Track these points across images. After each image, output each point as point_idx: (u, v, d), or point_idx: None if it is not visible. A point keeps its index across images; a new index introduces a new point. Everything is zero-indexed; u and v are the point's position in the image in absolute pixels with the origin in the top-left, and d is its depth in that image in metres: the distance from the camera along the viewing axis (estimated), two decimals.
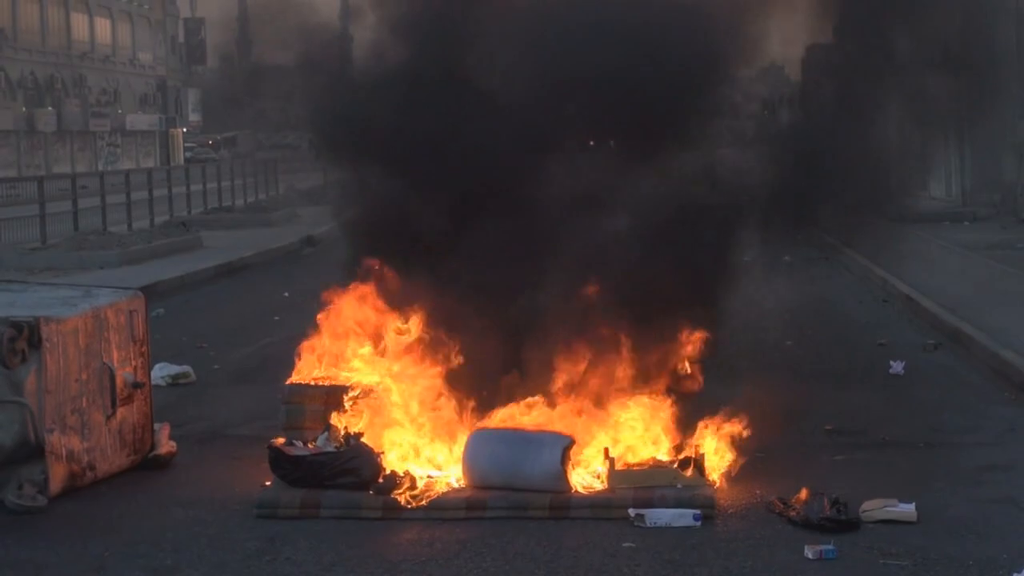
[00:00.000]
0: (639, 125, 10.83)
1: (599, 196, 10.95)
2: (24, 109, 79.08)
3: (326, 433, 9.73)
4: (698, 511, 8.80)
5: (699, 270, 10.68)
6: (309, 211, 38.69)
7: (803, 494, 8.91)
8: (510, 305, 10.25)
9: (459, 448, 9.57)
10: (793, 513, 8.77)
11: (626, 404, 9.84)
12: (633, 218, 11.05)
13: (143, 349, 10.63)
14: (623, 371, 10.07)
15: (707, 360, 11.25)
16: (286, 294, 21.52)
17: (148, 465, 10.53)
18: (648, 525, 8.70)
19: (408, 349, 10.24)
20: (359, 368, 10.33)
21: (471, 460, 9.37)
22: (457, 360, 10.09)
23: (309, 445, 9.65)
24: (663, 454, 9.55)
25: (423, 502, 9.08)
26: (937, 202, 35.08)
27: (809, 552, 8.14)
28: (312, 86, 12.24)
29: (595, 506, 9.02)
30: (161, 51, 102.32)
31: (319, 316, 10.56)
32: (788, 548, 8.30)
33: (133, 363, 10.49)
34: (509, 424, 9.69)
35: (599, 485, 9.30)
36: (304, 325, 10.94)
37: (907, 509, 8.81)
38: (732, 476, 9.49)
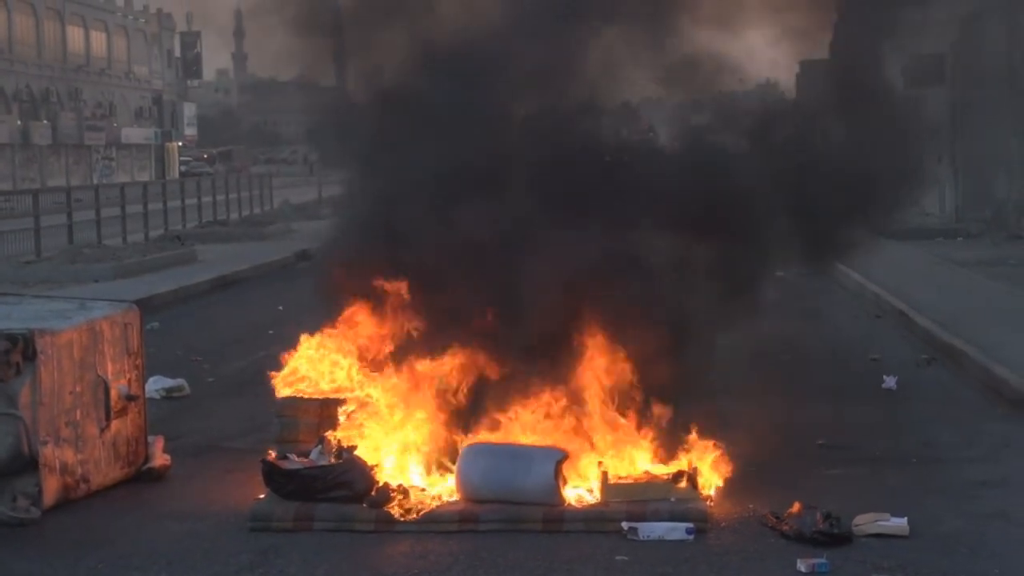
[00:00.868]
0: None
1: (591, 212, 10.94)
2: (19, 122, 79.15)
3: (320, 447, 9.73)
4: (691, 524, 8.80)
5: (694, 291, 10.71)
6: (303, 225, 38.71)
7: (796, 508, 8.91)
8: (506, 321, 10.23)
9: (453, 461, 9.57)
10: (786, 527, 8.78)
11: (618, 418, 9.83)
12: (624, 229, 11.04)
13: (138, 362, 10.64)
14: (615, 385, 10.05)
15: (703, 375, 11.26)
16: (280, 308, 21.51)
17: (142, 478, 10.53)
18: (641, 538, 8.70)
19: (401, 362, 10.24)
20: (352, 381, 10.33)
21: (464, 473, 9.37)
22: (451, 373, 10.08)
23: (302, 460, 9.63)
24: (656, 468, 9.54)
25: (416, 515, 9.08)
26: (930, 218, 35.14)
27: (802, 566, 8.14)
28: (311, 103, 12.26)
29: (588, 519, 9.02)
30: (157, 65, 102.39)
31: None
32: (781, 562, 8.30)
33: (128, 376, 10.49)
34: (502, 438, 9.70)
35: (592, 498, 9.30)
36: (298, 338, 10.93)
37: (899, 523, 8.81)
38: (725, 490, 9.50)
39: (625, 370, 9.93)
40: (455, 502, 9.32)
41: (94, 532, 9.22)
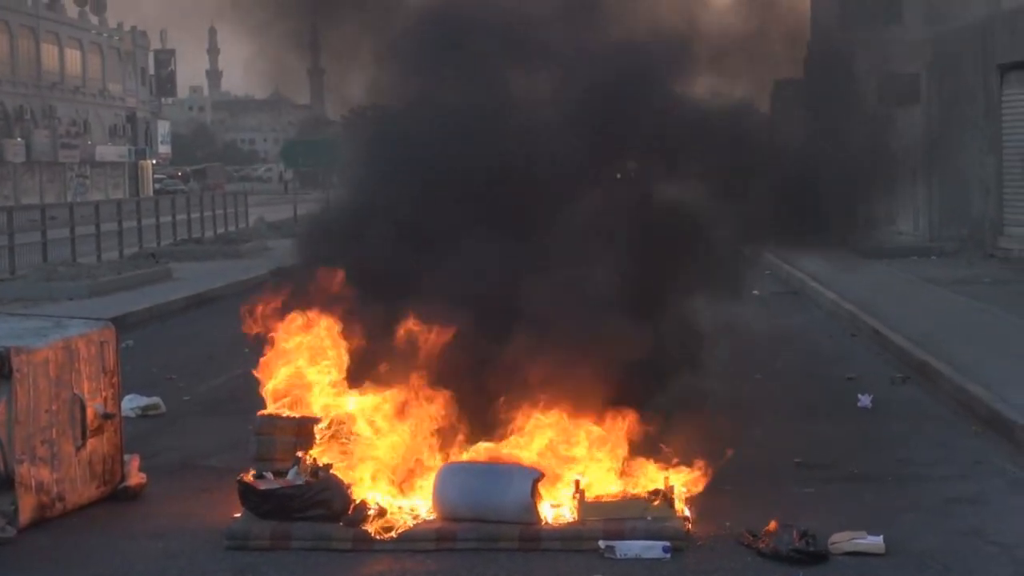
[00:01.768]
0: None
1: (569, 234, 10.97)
2: None
3: (296, 467, 9.73)
4: (668, 543, 8.83)
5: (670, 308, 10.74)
6: (279, 243, 38.65)
7: (772, 526, 8.95)
8: (482, 339, 10.26)
9: (430, 480, 9.58)
10: (762, 545, 8.81)
11: (594, 437, 9.86)
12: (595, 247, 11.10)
13: (113, 380, 10.63)
14: (592, 403, 10.08)
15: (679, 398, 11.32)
16: None
17: (118, 496, 10.51)
18: (618, 557, 8.73)
19: (378, 380, 10.25)
20: (330, 399, 10.33)
21: (441, 492, 9.38)
22: (428, 392, 10.09)
23: (279, 480, 9.62)
24: (633, 486, 9.57)
25: (393, 534, 9.09)
26: (905, 236, 35.26)
27: None
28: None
29: (565, 538, 9.04)
30: (131, 82, 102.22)
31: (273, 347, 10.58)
32: None
33: (103, 394, 10.48)
34: (479, 456, 9.72)
35: (569, 517, 9.32)
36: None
37: (875, 541, 8.85)
38: (702, 508, 9.52)
39: (601, 389, 9.96)
40: (432, 520, 9.33)
41: (70, 551, 9.21)
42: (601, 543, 8.85)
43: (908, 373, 15.95)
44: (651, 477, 9.61)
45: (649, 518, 9.12)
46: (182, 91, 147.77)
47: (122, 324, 17.02)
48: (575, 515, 9.28)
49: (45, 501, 9.81)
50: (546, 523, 9.21)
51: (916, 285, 25.00)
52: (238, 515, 9.49)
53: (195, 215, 43.87)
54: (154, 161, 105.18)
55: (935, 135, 32.32)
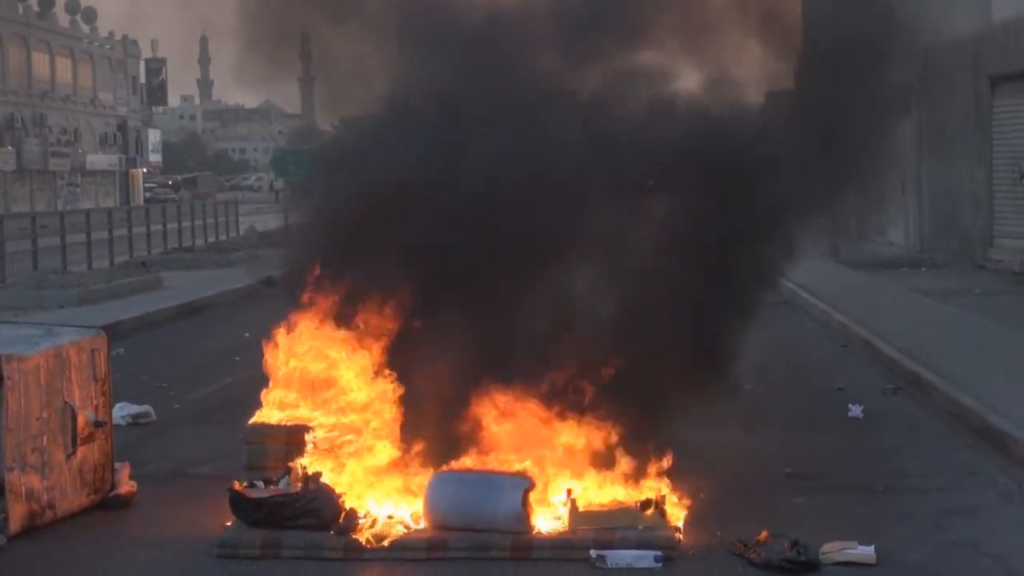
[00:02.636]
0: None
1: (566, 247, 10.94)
2: None
3: (287, 477, 9.72)
4: (659, 552, 8.83)
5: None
6: (270, 252, 38.60)
7: (763, 536, 8.95)
8: (473, 348, 10.25)
9: (421, 489, 9.57)
10: (754, 554, 8.81)
11: (587, 445, 9.86)
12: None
13: (104, 388, 10.61)
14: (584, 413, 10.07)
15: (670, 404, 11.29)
16: (247, 334, 21.41)
17: (108, 505, 10.49)
18: (609, 566, 8.73)
19: (369, 388, 10.24)
20: (322, 408, 10.31)
21: (432, 501, 9.38)
22: (419, 401, 10.09)
23: (270, 488, 9.60)
24: (625, 495, 9.56)
25: (385, 543, 9.08)
26: (895, 248, 35.31)
27: None
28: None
29: (556, 547, 9.04)
30: (122, 91, 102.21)
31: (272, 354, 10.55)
32: None
33: (94, 402, 10.46)
34: (471, 464, 9.71)
35: (560, 526, 9.31)
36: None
37: (866, 551, 8.86)
38: (693, 518, 9.52)
39: (595, 399, 9.96)
40: (423, 530, 9.33)
41: (60, 559, 9.20)
42: (592, 552, 8.84)
43: (900, 384, 15.96)
44: (642, 487, 9.60)
45: (640, 527, 9.13)
46: (173, 100, 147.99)
47: (112, 332, 16.95)
48: (566, 524, 9.27)
49: (35, 509, 9.79)
50: (537, 532, 9.21)
51: (907, 296, 25.03)
52: (229, 524, 9.47)
53: (186, 224, 43.88)
54: (144, 170, 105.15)
55: (925, 147, 32.36)
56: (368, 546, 9.04)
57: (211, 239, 45.19)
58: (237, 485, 9.61)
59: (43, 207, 78.94)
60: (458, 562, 8.90)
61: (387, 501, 9.74)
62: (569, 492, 9.43)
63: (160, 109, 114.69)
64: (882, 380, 16.38)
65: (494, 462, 9.72)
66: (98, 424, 10.43)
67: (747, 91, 11.49)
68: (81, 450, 10.24)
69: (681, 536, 9.21)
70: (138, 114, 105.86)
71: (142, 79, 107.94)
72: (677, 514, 9.44)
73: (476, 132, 10.44)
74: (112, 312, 23.88)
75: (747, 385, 15.72)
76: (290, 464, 9.81)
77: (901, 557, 8.94)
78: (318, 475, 9.58)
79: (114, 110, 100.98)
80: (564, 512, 9.35)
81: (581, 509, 9.31)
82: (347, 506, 9.39)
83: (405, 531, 9.29)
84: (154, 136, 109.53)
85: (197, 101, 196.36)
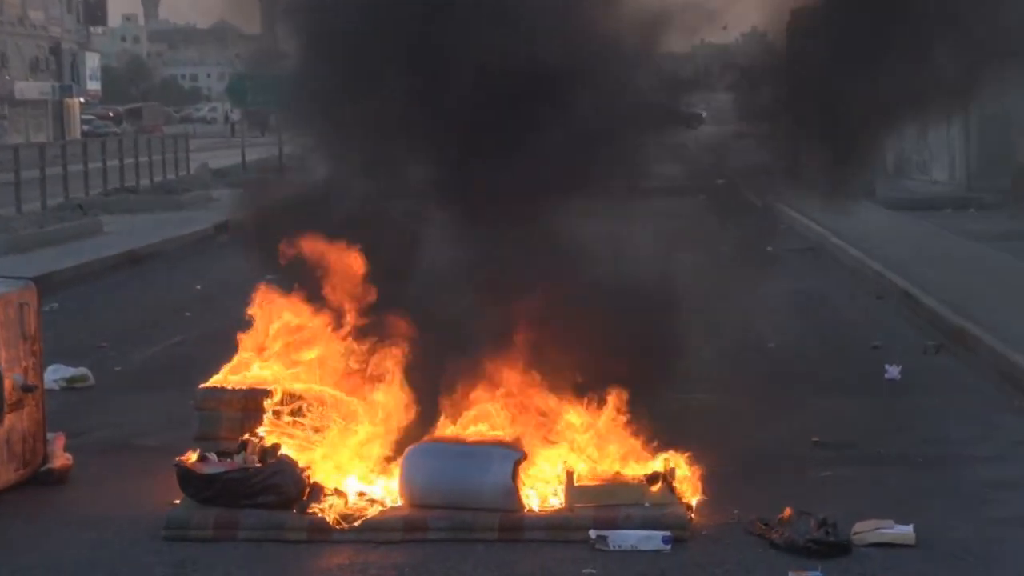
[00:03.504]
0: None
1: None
2: None
3: (243, 447, 9.70)
4: (668, 533, 8.84)
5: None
6: (225, 193, 38.58)
7: (787, 514, 8.97)
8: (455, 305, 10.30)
9: (396, 462, 9.59)
10: (776, 535, 8.83)
11: (584, 412, 9.87)
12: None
13: (35, 348, 10.60)
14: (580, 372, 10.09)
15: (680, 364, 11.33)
16: (198, 287, 21.49)
17: (40, 480, 10.50)
18: (611, 548, 8.74)
19: (342, 350, 10.26)
20: (284, 371, 10.32)
21: (409, 475, 9.39)
22: (396, 364, 10.10)
23: (223, 461, 9.60)
24: (629, 468, 9.58)
25: (355, 523, 9.10)
26: (939, 186, 35.32)
27: None
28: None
29: (551, 527, 9.06)
30: (55, 10, 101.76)
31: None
32: (770, 574, 8.36)
33: (23, 364, 10.45)
34: (453, 435, 9.73)
35: (556, 503, 9.33)
36: (219, 322, 10.92)
37: (904, 531, 8.87)
38: (707, 493, 9.54)
39: (592, 355, 9.97)
40: (399, 508, 9.34)
41: None
42: (592, 533, 8.86)
43: (942, 341, 15.98)
44: (649, 459, 9.63)
45: (647, 504, 9.14)
46: (114, 20, 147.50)
47: (45, 284, 16.97)
48: (563, 501, 9.29)
49: None
50: (529, 510, 9.22)
51: (952, 241, 25.06)
52: (177, 501, 9.49)
53: (129, 161, 43.71)
54: (82, 99, 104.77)
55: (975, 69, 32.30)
56: (336, 526, 9.05)
57: (158, 178, 45.09)
58: (186, 458, 9.61)
59: None
60: (439, 544, 8.91)
61: (358, 476, 9.76)
62: (565, 463, 9.44)
63: (99, 30, 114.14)
64: (922, 336, 16.41)
65: (479, 431, 9.73)
66: (27, 388, 10.42)
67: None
68: (8, 418, 10.23)
69: (693, 514, 9.23)
70: (74, 35, 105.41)
71: None
72: (688, 489, 9.46)
73: None
74: (45, 261, 23.84)
75: (769, 343, 15.79)
76: (243, 439, 9.77)
77: (942, 536, 8.97)
78: (277, 446, 9.58)
79: (46, 31, 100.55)
80: (560, 487, 9.37)
81: (579, 483, 9.32)
82: (312, 481, 9.40)
83: (379, 509, 9.31)
84: (92, 61, 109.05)
85: (141, 21, 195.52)
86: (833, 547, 8.67)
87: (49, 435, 10.76)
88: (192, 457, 9.65)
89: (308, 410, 9.98)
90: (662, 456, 9.56)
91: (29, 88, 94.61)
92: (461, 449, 9.49)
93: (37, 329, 10.67)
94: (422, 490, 9.33)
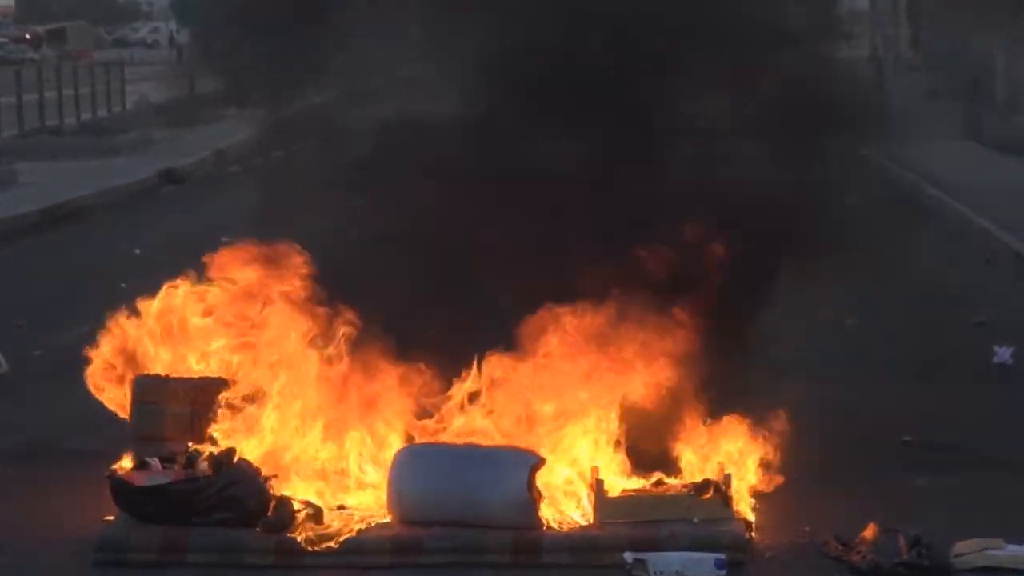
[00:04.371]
0: None
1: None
2: None
3: (193, 452, 9.73)
4: (722, 555, 8.87)
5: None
6: (169, 134, 38.62)
7: (870, 531, 9.01)
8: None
9: (384, 469, 9.62)
10: (857, 557, 8.86)
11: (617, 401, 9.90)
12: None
13: None
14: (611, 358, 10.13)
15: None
16: (137, 251, 21.52)
17: None
18: (651, 574, 8.77)
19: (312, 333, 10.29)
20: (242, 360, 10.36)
21: (401, 486, 9.42)
22: (383, 348, 10.15)
23: (168, 469, 9.64)
24: (673, 475, 9.62)
25: (333, 543, 9.13)
26: None
27: None
28: None
29: (576, 548, 9.10)
30: None
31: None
32: None
33: None
34: (453, 435, 9.77)
35: (582, 519, 9.36)
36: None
37: (1017, 552, 8.89)
38: (771, 506, 9.58)
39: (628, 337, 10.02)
40: (387, 525, 9.38)
41: None
42: (627, 556, 8.89)
43: None
44: (698, 463, 9.66)
45: (695, 520, 9.17)
46: None
47: None
48: (591, 517, 9.32)
49: None
50: (549, 527, 9.25)
51: None
52: (111, 518, 9.52)
53: (50, 95, 43.79)
54: None
55: None
56: (308, 548, 9.08)
57: (86, 116, 45.18)
58: (121, 467, 9.64)
59: None
60: (437, 570, 8.94)
61: (335, 486, 9.79)
62: (595, 471, 9.47)
63: None
64: None
65: (488, 430, 9.77)
66: None
67: None
68: None
69: (753, 532, 9.26)
70: None
71: None
72: (747, 501, 9.49)
73: None
74: None
75: (848, 320, 15.80)
76: (191, 445, 9.80)
77: None
78: (232, 451, 9.60)
79: None
80: (587, 499, 9.40)
81: (611, 494, 9.35)
82: (279, 493, 9.43)
83: (362, 527, 9.34)
84: None
85: None
86: (928, 572, 8.69)
87: None
88: (129, 464, 9.69)
89: (271, 404, 10.02)
90: (715, 459, 9.59)
91: None
92: (465, 452, 9.54)
93: None
94: (416, 503, 9.37)
